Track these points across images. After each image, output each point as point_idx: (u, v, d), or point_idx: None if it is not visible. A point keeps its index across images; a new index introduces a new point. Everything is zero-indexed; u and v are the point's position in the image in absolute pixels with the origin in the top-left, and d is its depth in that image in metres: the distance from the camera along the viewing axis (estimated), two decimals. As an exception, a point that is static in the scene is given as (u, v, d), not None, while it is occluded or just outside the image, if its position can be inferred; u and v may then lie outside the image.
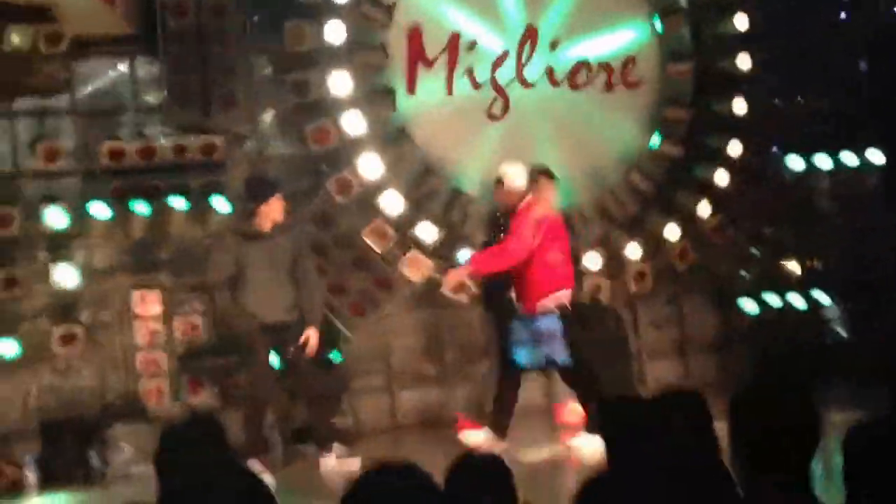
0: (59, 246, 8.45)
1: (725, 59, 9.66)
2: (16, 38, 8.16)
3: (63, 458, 8.13)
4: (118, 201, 8.45)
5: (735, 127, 9.61)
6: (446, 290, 8.56)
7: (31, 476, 8.00)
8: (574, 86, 9.43)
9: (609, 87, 9.53)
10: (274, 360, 7.73)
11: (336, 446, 7.67)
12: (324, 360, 8.22)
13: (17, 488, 7.92)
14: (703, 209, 9.51)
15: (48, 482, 7.99)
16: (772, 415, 2.95)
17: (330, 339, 8.79)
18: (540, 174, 8.08)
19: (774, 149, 9.92)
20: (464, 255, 8.93)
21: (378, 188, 8.79)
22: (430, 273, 8.83)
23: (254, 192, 7.77)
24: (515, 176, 7.90)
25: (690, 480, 2.87)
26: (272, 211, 7.64)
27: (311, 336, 7.58)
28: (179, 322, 8.64)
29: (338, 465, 7.49)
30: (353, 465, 7.30)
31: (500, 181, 7.97)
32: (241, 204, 8.09)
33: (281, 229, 7.67)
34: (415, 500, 2.44)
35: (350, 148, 8.76)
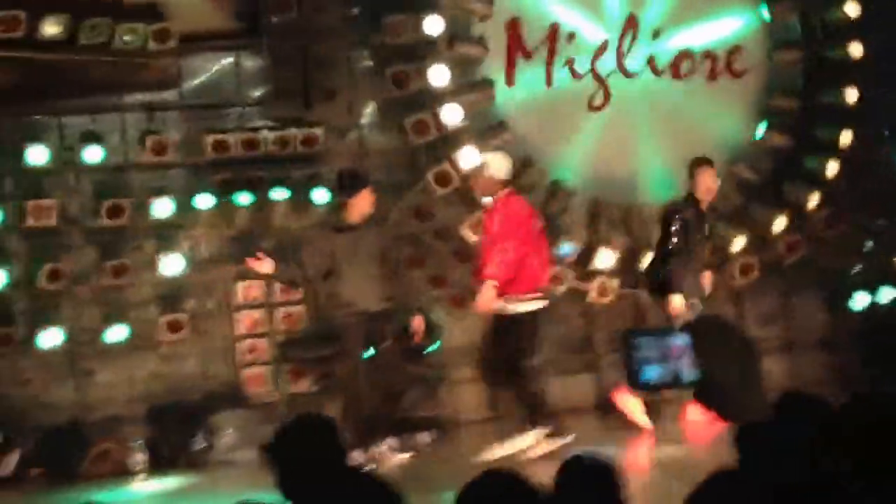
0: (165, 236, 8.70)
1: (836, 47, 9.38)
2: (127, 36, 8.43)
3: (168, 442, 8.35)
4: (222, 193, 8.65)
5: (846, 116, 9.31)
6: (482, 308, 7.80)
7: (138, 459, 8.23)
8: (677, 75, 9.28)
9: (713, 76, 9.35)
10: (369, 350, 7.78)
11: (389, 440, 7.65)
12: (415, 350, 8.26)
13: (126, 470, 8.16)
14: (813, 201, 9.24)
15: (154, 465, 8.21)
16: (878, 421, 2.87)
17: (427, 330, 8.84)
18: (700, 164, 8.02)
19: (887, 138, 9.57)
20: (564, 247, 8.88)
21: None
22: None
23: (344, 185, 7.83)
24: (497, 165, 7.60)
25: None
26: (361, 203, 7.68)
27: (418, 323, 7.66)
28: (281, 311, 8.80)
29: (388, 457, 7.50)
30: (402, 459, 7.34)
31: (480, 169, 7.75)
32: (335, 196, 8.19)
33: (372, 221, 7.72)
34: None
35: (449, 140, 8.79)
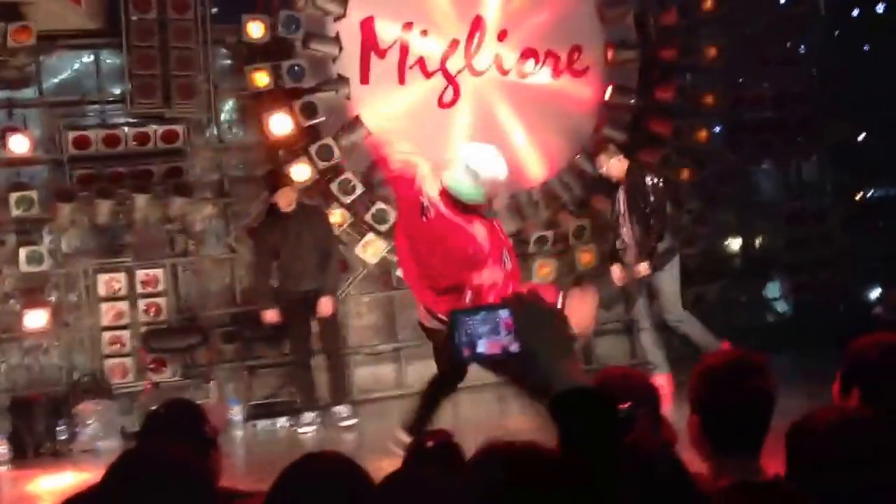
0: (27, 231, 8.85)
1: (669, 47, 10.02)
2: (-15, 34, 8.52)
3: (32, 433, 8.50)
4: (83, 187, 8.84)
5: (678, 112, 9.98)
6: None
7: (1, 449, 8.36)
8: (522, 74, 9.80)
9: (556, 74, 9.90)
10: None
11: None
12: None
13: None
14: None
15: (18, 456, 8.35)
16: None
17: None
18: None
19: (718, 133, 10.27)
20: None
21: (334, 174, 9.17)
22: (385, 255, 9.25)
23: None
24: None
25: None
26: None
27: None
28: (143, 303, 9.05)
29: None
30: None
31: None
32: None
33: None
34: None
35: (306, 136, 9.14)
